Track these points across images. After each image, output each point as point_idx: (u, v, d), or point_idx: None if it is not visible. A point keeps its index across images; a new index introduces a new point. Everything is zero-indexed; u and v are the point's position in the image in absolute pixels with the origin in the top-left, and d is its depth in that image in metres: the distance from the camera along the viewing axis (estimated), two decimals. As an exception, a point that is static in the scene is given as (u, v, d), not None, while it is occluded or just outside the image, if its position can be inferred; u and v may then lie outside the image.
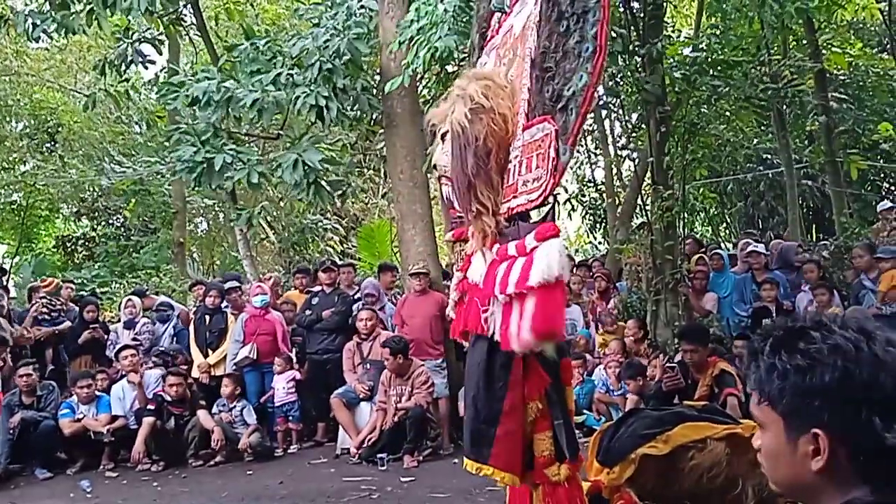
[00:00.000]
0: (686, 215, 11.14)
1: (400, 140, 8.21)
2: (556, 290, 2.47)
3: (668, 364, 6.31)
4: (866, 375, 1.14)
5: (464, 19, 6.60)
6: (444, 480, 6.04)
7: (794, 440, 1.19)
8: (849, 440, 1.15)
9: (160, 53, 10.96)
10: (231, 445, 7.26)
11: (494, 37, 3.42)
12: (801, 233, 12.26)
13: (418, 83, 8.41)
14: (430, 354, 7.36)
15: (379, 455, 6.67)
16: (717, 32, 8.46)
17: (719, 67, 7.49)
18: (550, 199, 2.57)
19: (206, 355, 8.03)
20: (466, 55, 4.88)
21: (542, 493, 2.88)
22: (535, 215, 2.65)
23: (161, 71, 11.79)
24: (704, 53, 7.76)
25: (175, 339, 8.67)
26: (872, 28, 13.91)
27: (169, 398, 7.33)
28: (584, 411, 7.40)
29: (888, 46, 13.57)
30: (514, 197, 2.72)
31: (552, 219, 2.59)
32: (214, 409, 7.45)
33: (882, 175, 15.76)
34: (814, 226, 15.13)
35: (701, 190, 15.03)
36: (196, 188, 10.21)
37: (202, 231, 19.20)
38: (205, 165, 7.81)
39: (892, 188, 16.44)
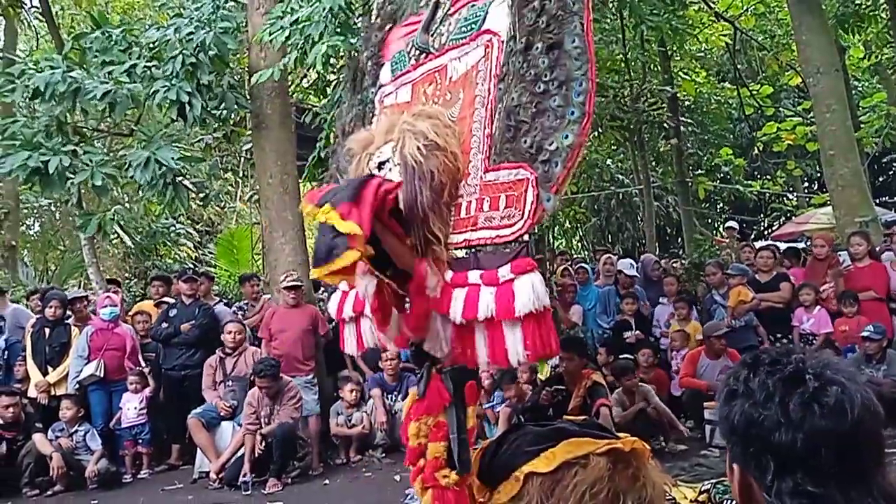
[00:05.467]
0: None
1: (269, 143, 7.82)
2: (546, 316, 2.75)
3: (549, 387, 6.45)
4: (765, 427, 1.13)
5: (341, 19, 6.38)
6: (314, 504, 5.75)
7: (730, 469, 1.24)
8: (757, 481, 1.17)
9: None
10: (72, 472, 6.56)
11: (410, 71, 3.59)
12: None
13: (289, 84, 8.07)
14: (300, 370, 7.00)
15: (242, 479, 6.24)
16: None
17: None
18: (525, 237, 2.80)
19: (45, 373, 7.22)
20: (347, 70, 4.77)
21: (432, 497, 3.05)
22: (491, 248, 2.88)
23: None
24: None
25: (6, 353, 7.74)
26: (714, 58, 15.04)
27: (0, 420, 6.54)
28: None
29: (729, 75, 14.73)
30: (473, 230, 2.93)
31: (527, 254, 2.80)
32: (52, 434, 6.71)
33: (721, 195, 17.09)
34: (657, 242, 16.08)
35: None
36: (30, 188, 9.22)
37: (34, 233, 17.53)
38: (41, 171, 7.01)
39: (728, 208, 17.88)
